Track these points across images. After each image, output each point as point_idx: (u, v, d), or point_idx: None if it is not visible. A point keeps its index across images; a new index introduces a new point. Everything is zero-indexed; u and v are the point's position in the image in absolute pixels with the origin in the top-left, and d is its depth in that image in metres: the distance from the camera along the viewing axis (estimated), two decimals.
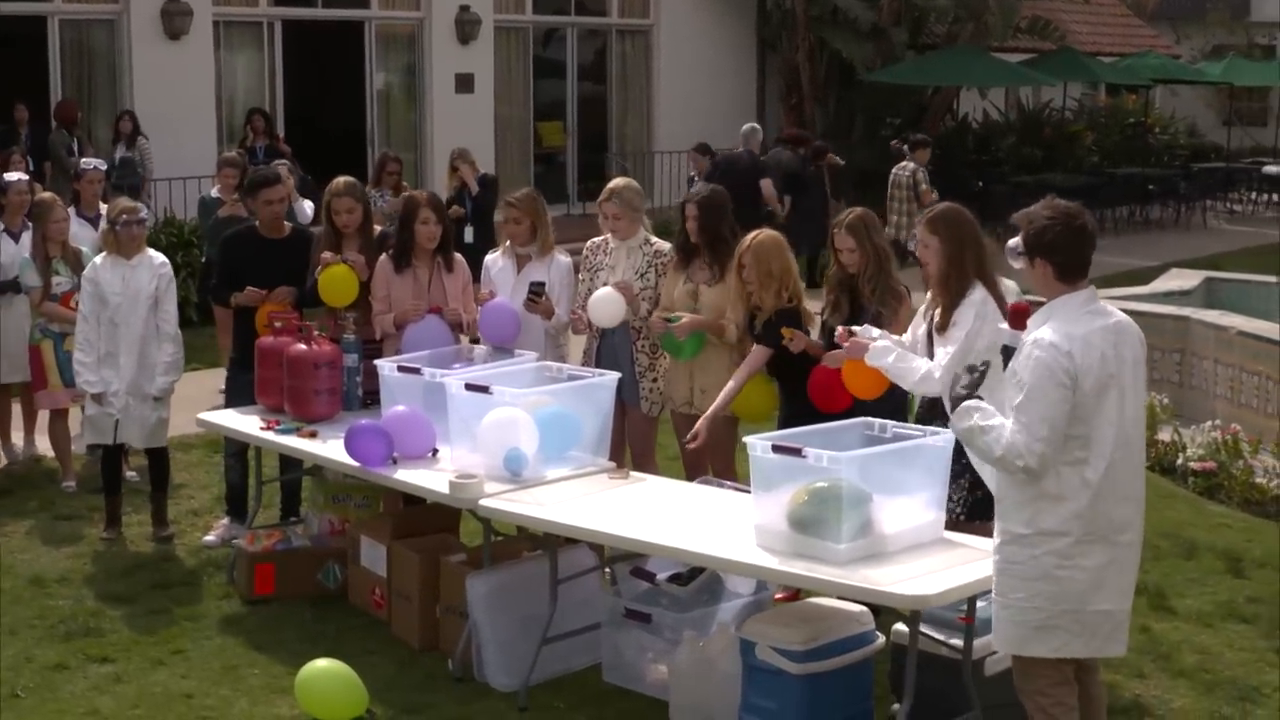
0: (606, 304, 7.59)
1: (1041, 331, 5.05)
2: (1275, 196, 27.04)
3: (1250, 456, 9.77)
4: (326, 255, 8.02)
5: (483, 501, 6.56)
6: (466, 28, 20.57)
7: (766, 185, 16.93)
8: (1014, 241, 5.19)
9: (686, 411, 7.71)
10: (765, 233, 7.45)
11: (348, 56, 20.10)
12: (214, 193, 12.30)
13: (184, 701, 6.57)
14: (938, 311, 6.43)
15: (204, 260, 12.06)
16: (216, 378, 12.17)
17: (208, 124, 17.88)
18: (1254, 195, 27.10)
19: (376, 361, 7.46)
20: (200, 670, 6.86)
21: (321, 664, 6.38)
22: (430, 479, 6.90)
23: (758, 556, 5.76)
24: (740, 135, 17.84)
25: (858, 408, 6.60)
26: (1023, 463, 5.01)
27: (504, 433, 6.75)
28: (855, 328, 6.62)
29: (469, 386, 6.86)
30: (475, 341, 8.15)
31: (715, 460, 7.73)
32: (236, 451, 8.50)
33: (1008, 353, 5.23)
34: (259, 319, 8.17)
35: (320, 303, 8.17)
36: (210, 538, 8.54)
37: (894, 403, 6.88)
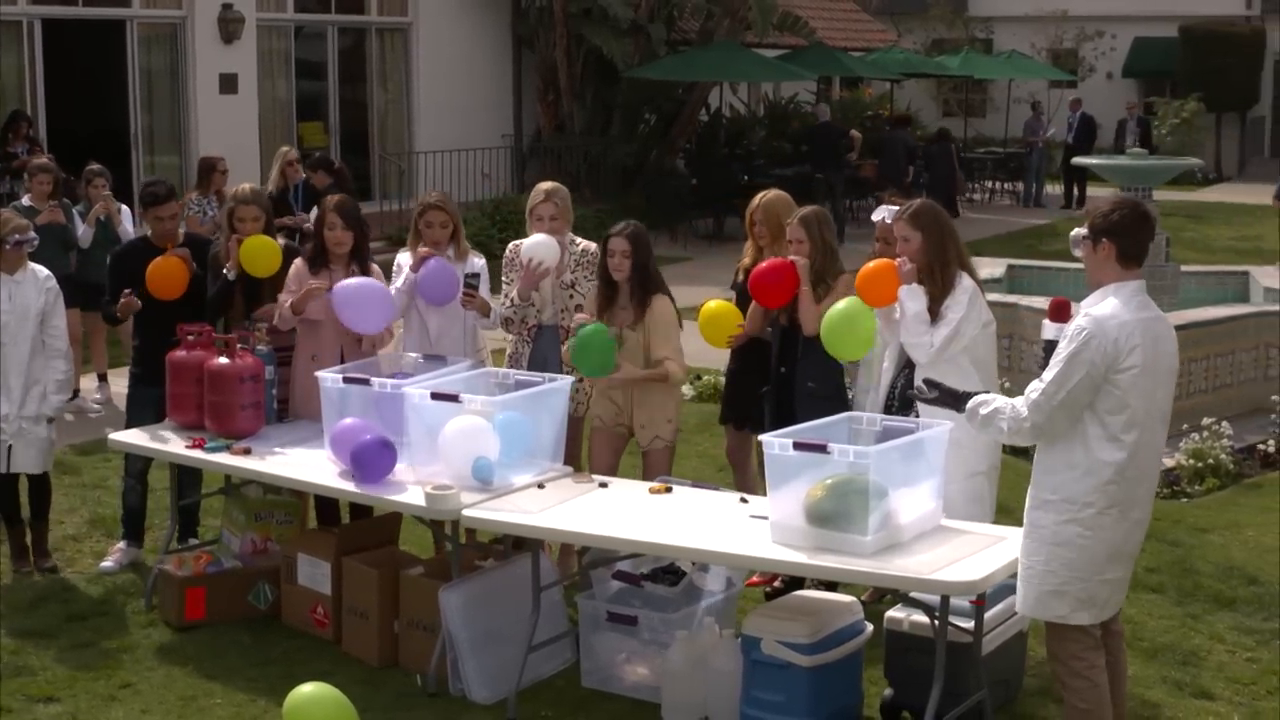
0: (543, 245, 7.52)
1: (1095, 308, 5.30)
2: (1009, 185, 28.32)
3: None
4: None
5: (465, 512, 6.42)
6: (230, 26, 19.94)
7: (855, 135, 24.43)
8: (1077, 231, 5.41)
9: (621, 433, 7.56)
10: (773, 192, 7.76)
11: (109, 56, 19.28)
12: (25, 200, 11.68)
13: None
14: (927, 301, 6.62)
15: None
16: None
17: None
18: (991, 184, 28.30)
19: (318, 373, 7.17)
20: (158, 705, 6.54)
21: (309, 689, 6.09)
22: (399, 492, 6.71)
23: (781, 552, 5.80)
24: (817, 110, 25.57)
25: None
26: (1029, 423, 5.29)
27: (469, 441, 6.63)
28: None
29: (435, 396, 6.70)
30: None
31: None
32: (139, 472, 8.12)
33: (1050, 346, 5.42)
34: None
35: (219, 314, 7.94)
36: (108, 563, 8.13)
37: (835, 387, 7.17)
